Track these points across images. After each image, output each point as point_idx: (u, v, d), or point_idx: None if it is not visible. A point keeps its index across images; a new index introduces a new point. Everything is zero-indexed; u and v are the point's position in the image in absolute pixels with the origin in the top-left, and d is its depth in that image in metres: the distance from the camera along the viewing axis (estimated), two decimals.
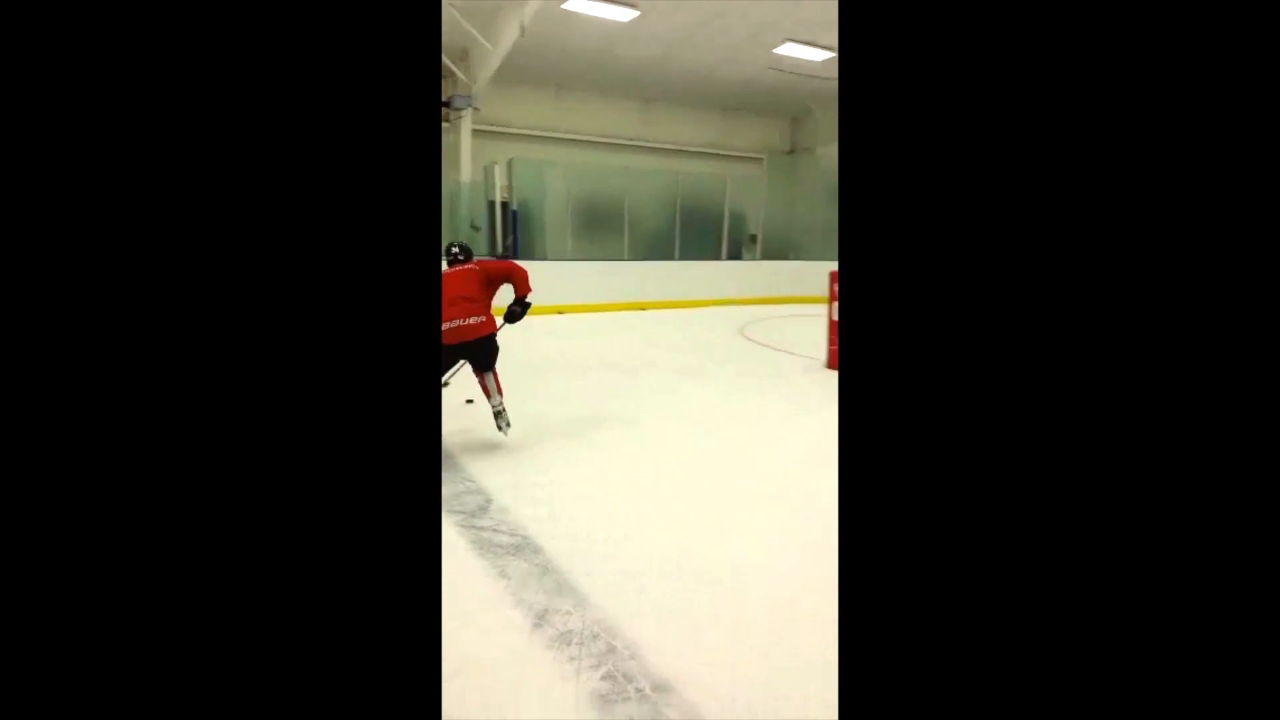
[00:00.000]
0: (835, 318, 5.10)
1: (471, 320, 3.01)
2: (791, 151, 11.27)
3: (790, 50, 8.30)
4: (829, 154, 10.78)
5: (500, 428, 3.13)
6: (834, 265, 5.55)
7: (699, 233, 9.99)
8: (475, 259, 3.37)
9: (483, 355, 3.11)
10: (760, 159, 11.20)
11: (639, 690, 1.41)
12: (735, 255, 10.42)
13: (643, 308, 8.66)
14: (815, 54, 8.36)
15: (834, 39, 7.93)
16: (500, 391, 3.15)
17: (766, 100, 10.21)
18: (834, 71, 8.83)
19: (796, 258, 10.24)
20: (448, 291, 3.00)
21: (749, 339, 6.62)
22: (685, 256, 9.76)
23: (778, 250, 10.58)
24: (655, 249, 9.55)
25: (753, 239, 10.64)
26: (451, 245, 3.36)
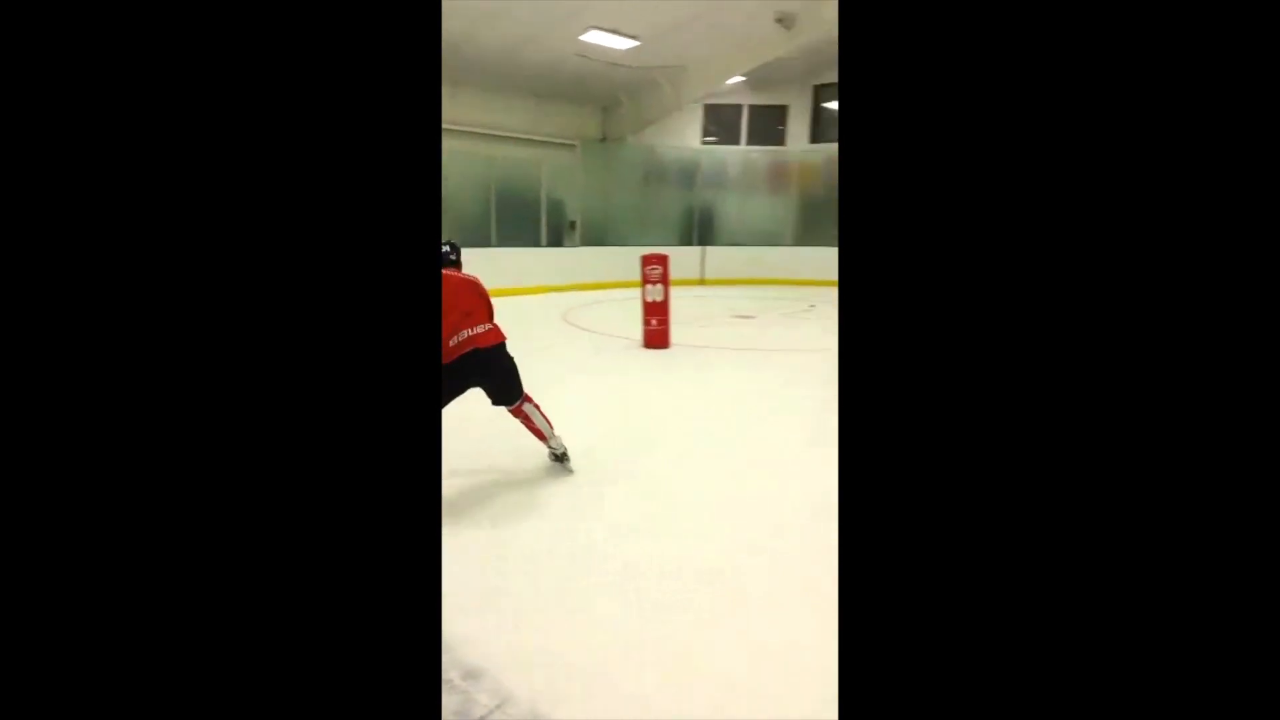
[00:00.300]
0: (648, 299, 5.31)
1: (479, 329, 2.44)
2: (604, 139, 11.35)
3: (595, 38, 8.28)
4: (638, 141, 11.00)
5: (564, 463, 2.66)
6: (646, 250, 5.67)
7: (517, 219, 9.72)
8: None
9: (498, 377, 2.51)
10: (574, 146, 11.15)
11: None
12: (556, 242, 10.30)
13: None
14: (620, 42, 8.42)
15: (636, 28, 8.05)
16: (549, 423, 2.62)
17: (577, 87, 10.15)
18: (638, 60, 8.99)
19: (616, 244, 10.33)
20: (444, 300, 2.33)
21: (571, 324, 6.57)
22: (504, 244, 9.45)
23: (597, 236, 10.62)
24: (472, 236, 9.14)
25: (572, 225, 10.58)
26: (446, 242, 2.69)
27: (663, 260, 5.27)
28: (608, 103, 11.06)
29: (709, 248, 10.95)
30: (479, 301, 2.53)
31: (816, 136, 11.14)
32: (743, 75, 9.78)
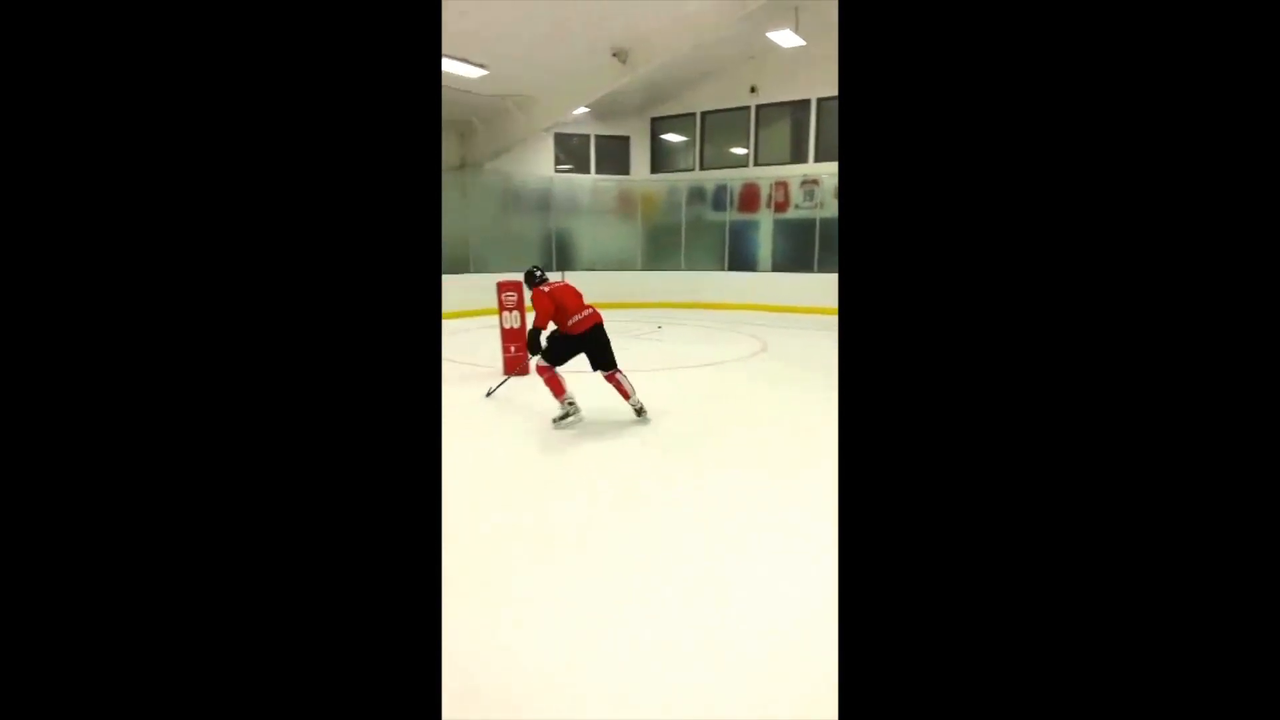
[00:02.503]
0: (505, 326, 5.37)
1: (587, 312, 3.92)
2: (462, 166, 11.47)
3: (448, 65, 8.50)
4: (495, 168, 11.25)
5: (641, 415, 3.95)
6: (501, 276, 5.87)
7: None
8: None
9: (607, 347, 3.94)
10: None
11: None
12: None
13: None
14: (470, 70, 8.70)
15: (484, 57, 8.38)
16: (633, 387, 4.00)
17: None
18: (488, 89, 9.30)
19: (477, 270, 10.46)
20: (565, 300, 3.90)
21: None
22: None
23: (458, 263, 10.67)
24: None
25: None
26: (535, 268, 4.25)
27: (517, 287, 5.33)
28: (463, 130, 11.21)
29: (567, 273, 11.41)
30: (579, 295, 4.03)
31: (656, 166, 12.01)
32: (586, 106, 10.37)
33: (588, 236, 11.88)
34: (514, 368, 5.38)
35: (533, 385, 4.26)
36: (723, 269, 11.24)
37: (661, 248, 11.72)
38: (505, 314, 5.42)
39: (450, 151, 11.40)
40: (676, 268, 11.52)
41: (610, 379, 3.98)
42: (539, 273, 4.17)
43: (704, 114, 11.46)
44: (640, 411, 3.96)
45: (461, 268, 10.61)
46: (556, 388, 3.88)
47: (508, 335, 5.43)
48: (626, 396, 3.96)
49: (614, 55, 8.80)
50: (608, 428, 3.91)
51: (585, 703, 1.57)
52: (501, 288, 5.45)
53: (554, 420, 3.87)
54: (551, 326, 3.88)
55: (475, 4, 7.00)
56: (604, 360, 3.93)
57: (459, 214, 10.96)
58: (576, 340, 3.86)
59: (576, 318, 3.87)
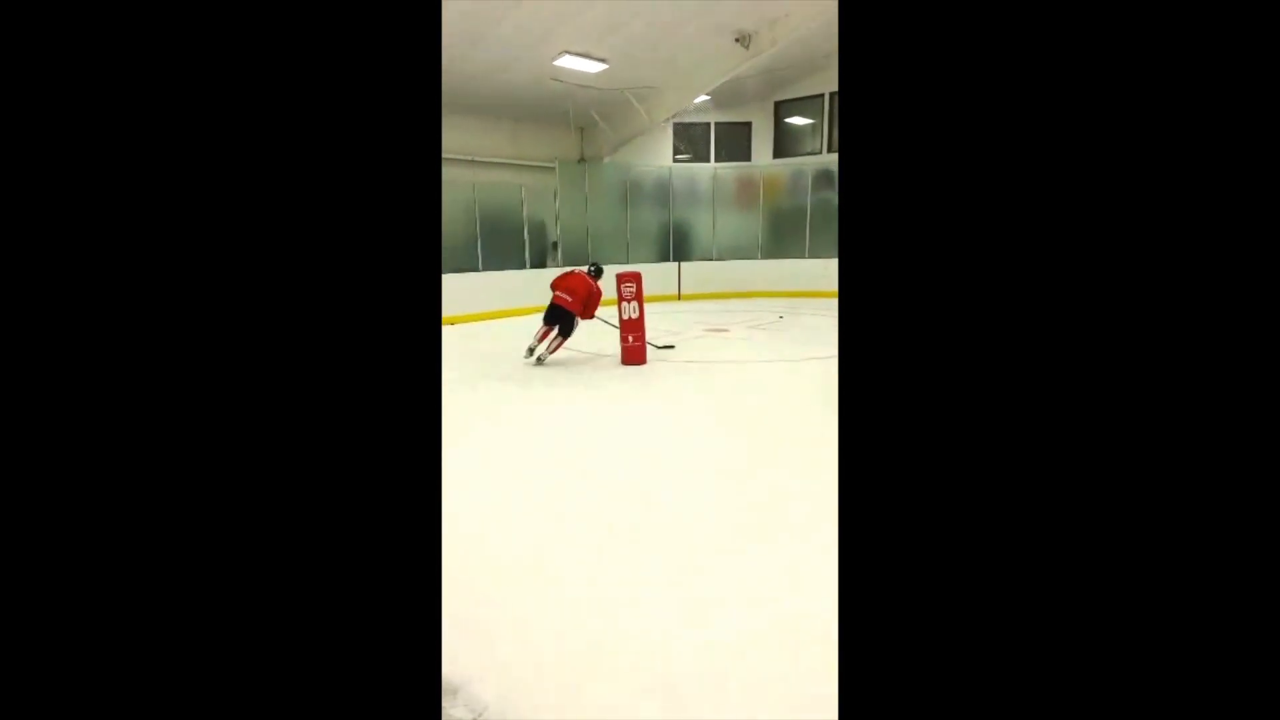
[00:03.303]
0: (624, 316, 5.45)
1: (566, 298, 5.66)
2: (582, 160, 11.73)
3: (568, 62, 8.68)
4: (614, 161, 11.40)
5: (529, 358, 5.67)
6: (624, 268, 5.96)
7: (500, 242, 10.05)
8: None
9: (561, 323, 5.69)
10: (553, 167, 11.52)
11: None
12: (539, 263, 10.62)
13: (451, 322, 8.56)
14: (591, 65, 8.82)
15: (605, 51, 8.46)
16: (550, 354, 5.70)
17: (553, 110, 10.52)
18: (609, 82, 9.39)
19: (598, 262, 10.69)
20: (569, 283, 5.77)
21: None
22: (489, 267, 9.77)
23: (579, 256, 10.94)
24: (458, 261, 9.45)
25: (554, 246, 10.93)
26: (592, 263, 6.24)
27: (636, 278, 5.42)
28: (584, 124, 11.44)
29: (684, 263, 11.37)
30: (580, 289, 5.65)
31: (779, 151, 11.63)
32: (708, 94, 10.21)
33: (706, 226, 11.77)
34: (632, 358, 5.43)
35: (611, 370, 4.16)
36: None
37: (784, 235, 11.36)
38: (624, 304, 5.49)
39: (568, 147, 11.70)
40: (800, 255, 11.12)
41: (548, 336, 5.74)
42: (594, 267, 6.01)
43: (832, 95, 10.94)
44: (539, 360, 5.63)
45: (581, 260, 10.89)
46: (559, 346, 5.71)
47: (626, 326, 5.50)
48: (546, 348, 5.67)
49: (736, 40, 8.56)
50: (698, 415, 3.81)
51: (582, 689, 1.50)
52: (620, 279, 5.52)
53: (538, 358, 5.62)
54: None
55: None
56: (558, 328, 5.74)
57: (578, 208, 11.26)
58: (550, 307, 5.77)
59: (554, 295, 5.74)
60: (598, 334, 6.54)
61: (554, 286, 5.75)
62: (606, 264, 6.46)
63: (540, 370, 5.51)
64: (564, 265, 10.73)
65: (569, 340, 5.74)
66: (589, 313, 5.69)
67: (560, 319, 5.61)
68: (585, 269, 5.90)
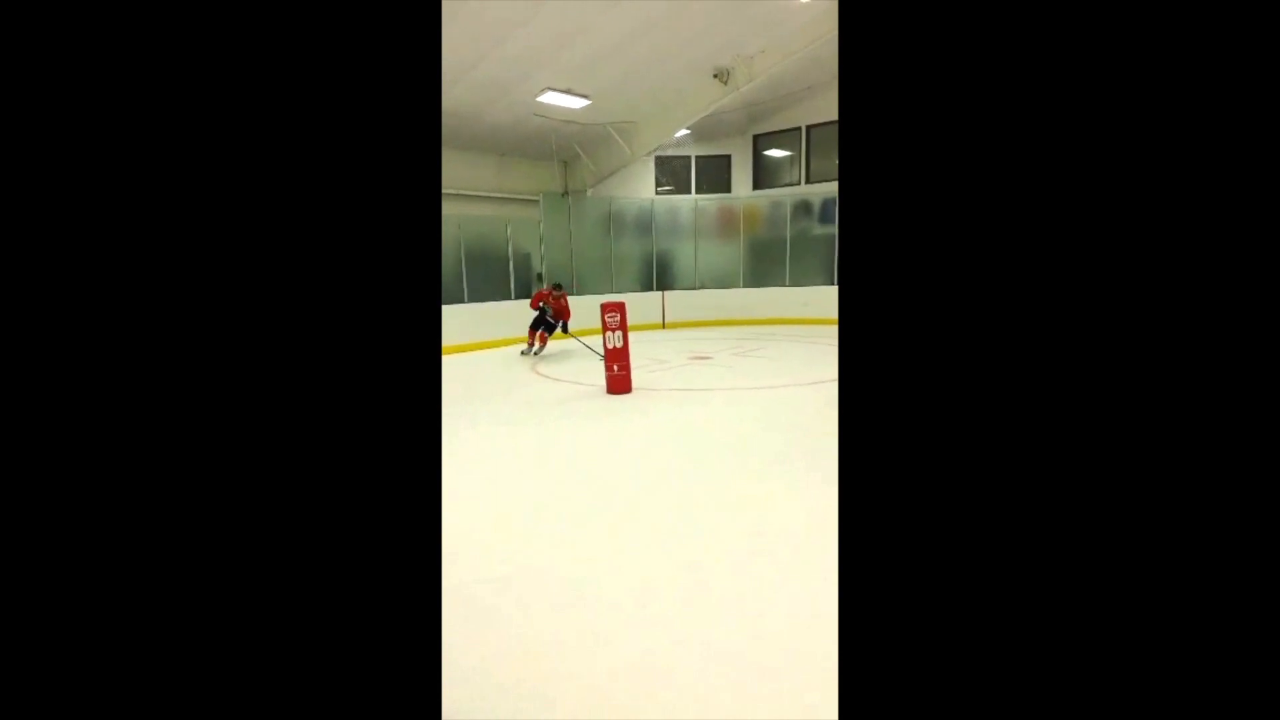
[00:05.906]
0: (609, 346, 5.46)
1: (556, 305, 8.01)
2: (565, 193, 11.90)
3: (551, 98, 8.87)
4: (597, 194, 11.59)
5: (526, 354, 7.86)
6: (608, 298, 6.03)
7: (485, 274, 10.12)
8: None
9: (549, 324, 8.02)
10: (537, 200, 11.67)
11: None
12: (524, 294, 10.68)
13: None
14: (573, 101, 9.02)
15: (587, 87, 8.66)
16: (539, 349, 7.88)
17: (537, 144, 10.71)
18: (591, 118, 9.59)
19: (582, 293, 10.77)
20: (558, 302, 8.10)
21: (540, 374, 6.89)
22: (474, 299, 9.81)
23: (563, 286, 11.03)
24: (445, 294, 9.49)
25: (539, 278, 11.02)
26: (558, 283, 8.23)
27: (620, 307, 5.43)
28: (567, 158, 11.63)
29: (668, 292, 11.51)
30: (563, 305, 8.11)
31: (759, 183, 11.92)
32: (688, 128, 10.47)
33: (689, 256, 11.95)
34: (616, 387, 5.45)
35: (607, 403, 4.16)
36: (830, 283, 10.90)
37: (765, 264, 11.58)
38: (608, 334, 5.52)
39: (551, 180, 11.88)
40: (781, 283, 11.31)
41: (539, 336, 8.10)
42: (558, 287, 8.31)
43: (809, 128, 11.25)
44: (534, 354, 7.72)
45: (566, 290, 10.97)
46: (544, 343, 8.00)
47: (611, 355, 5.53)
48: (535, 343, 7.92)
49: (715, 76, 8.82)
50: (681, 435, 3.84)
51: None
52: (604, 309, 5.55)
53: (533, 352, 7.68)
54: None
55: (579, 34, 7.26)
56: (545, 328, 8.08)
57: (563, 240, 11.39)
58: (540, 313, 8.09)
59: (541, 303, 8.09)
60: (584, 367, 6.56)
61: (532, 305, 8.24)
62: (591, 294, 6.89)
63: (528, 403, 5.52)
64: None
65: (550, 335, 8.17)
66: (559, 307, 8.18)
67: (542, 324, 8.15)
68: (548, 287, 8.31)
